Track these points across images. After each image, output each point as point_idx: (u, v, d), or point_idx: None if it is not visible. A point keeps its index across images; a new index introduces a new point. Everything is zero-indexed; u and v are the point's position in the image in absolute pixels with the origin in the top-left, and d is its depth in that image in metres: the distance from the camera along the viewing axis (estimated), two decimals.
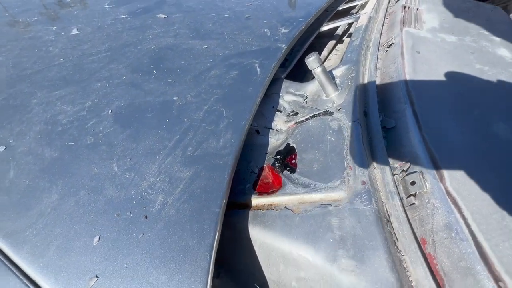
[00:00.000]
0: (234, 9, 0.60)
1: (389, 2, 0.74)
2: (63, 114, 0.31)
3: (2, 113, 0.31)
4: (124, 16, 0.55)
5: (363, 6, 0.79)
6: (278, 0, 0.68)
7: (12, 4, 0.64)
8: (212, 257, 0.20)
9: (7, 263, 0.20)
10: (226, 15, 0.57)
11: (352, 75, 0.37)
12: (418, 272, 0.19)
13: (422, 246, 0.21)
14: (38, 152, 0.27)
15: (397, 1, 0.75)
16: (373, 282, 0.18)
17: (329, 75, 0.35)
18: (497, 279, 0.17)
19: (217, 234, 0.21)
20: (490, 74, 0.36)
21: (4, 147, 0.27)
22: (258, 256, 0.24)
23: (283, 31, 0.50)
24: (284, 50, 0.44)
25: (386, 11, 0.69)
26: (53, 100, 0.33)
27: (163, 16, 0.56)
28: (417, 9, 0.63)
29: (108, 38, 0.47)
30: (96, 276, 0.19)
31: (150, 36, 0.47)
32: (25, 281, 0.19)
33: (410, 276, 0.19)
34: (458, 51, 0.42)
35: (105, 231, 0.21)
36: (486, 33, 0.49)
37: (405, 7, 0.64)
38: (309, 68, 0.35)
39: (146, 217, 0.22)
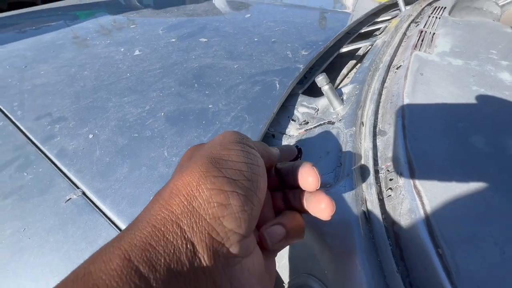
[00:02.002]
0: (263, 34, 0.71)
1: (408, 26, 0.79)
2: (130, 114, 0.43)
3: (90, 112, 0.44)
4: (173, 39, 0.69)
5: (385, 29, 0.85)
6: (302, 25, 0.77)
7: (91, 30, 0.81)
8: None
9: (97, 209, 0.30)
10: (256, 39, 0.67)
11: (356, 92, 0.44)
12: (382, 244, 0.25)
13: (392, 225, 0.27)
14: (114, 139, 0.38)
15: (417, 25, 0.79)
16: (346, 246, 0.25)
17: (335, 91, 0.43)
18: (437, 246, 0.22)
19: None
20: (483, 95, 0.40)
21: (92, 135, 0.39)
22: None
23: (303, 54, 0.59)
24: (301, 70, 0.52)
25: (405, 34, 0.74)
26: (123, 104, 0.45)
27: (204, 40, 0.68)
28: (433, 33, 0.67)
29: (162, 58, 0.59)
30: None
31: (193, 57, 0.59)
32: (108, 221, 0.29)
33: (377, 249, 0.25)
34: (459, 74, 0.46)
35: None
36: (495, 57, 0.52)
37: (421, 32, 0.69)
38: (319, 86, 0.42)
39: None
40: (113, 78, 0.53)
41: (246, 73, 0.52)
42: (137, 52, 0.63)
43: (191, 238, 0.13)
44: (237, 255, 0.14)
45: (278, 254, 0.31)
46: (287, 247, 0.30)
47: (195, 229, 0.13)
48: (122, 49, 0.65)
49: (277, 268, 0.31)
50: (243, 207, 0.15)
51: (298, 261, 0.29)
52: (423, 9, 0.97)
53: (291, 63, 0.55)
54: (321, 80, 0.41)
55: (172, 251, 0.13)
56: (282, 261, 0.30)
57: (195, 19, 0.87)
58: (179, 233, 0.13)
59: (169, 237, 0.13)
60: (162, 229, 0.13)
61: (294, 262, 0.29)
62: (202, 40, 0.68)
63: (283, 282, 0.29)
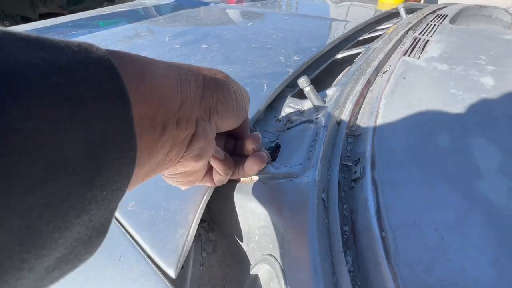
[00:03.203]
0: (261, 40, 0.75)
1: (406, 33, 0.80)
2: None
3: None
4: (178, 46, 0.74)
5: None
6: (300, 33, 0.81)
7: (106, 37, 0.89)
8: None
9: None
10: (253, 45, 0.71)
11: (337, 94, 0.46)
12: (334, 229, 0.27)
13: (350, 213, 0.29)
14: None
15: (414, 33, 0.81)
16: (300, 228, 0.27)
17: (317, 93, 0.45)
18: (381, 229, 0.24)
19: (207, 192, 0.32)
20: (460, 98, 0.41)
21: None
22: (238, 214, 0.34)
23: (295, 59, 0.62)
24: (290, 73, 0.55)
25: (401, 41, 0.75)
26: None
27: (205, 46, 0.72)
28: (427, 40, 0.68)
29: None
30: (134, 201, 0.32)
31: (193, 61, 0.64)
32: None
33: (328, 229, 0.27)
34: (442, 78, 0.47)
35: None
36: (483, 63, 0.52)
37: (415, 38, 0.70)
38: (300, 87, 0.45)
39: None
40: None
41: (238, 75, 0.56)
42: None
43: (205, 88, 0.20)
44: (212, 117, 0.22)
45: (247, 240, 0.33)
46: (257, 234, 0.33)
47: (210, 89, 0.21)
48: None
49: (246, 252, 0.33)
50: (231, 114, 0.23)
51: (264, 245, 0.31)
52: (424, 17, 0.98)
53: (282, 67, 0.58)
54: (302, 82, 0.44)
55: (194, 81, 0.20)
56: (250, 245, 0.33)
57: (200, 27, 0.93)
58: (201, 83, 0.20)
59: (195, 80, 0.20)
60: (194, 75, 0.20)
61: (260, 247, 0.31)
62: (203, 46, 0.73)
63: (250, 264, 0.32)
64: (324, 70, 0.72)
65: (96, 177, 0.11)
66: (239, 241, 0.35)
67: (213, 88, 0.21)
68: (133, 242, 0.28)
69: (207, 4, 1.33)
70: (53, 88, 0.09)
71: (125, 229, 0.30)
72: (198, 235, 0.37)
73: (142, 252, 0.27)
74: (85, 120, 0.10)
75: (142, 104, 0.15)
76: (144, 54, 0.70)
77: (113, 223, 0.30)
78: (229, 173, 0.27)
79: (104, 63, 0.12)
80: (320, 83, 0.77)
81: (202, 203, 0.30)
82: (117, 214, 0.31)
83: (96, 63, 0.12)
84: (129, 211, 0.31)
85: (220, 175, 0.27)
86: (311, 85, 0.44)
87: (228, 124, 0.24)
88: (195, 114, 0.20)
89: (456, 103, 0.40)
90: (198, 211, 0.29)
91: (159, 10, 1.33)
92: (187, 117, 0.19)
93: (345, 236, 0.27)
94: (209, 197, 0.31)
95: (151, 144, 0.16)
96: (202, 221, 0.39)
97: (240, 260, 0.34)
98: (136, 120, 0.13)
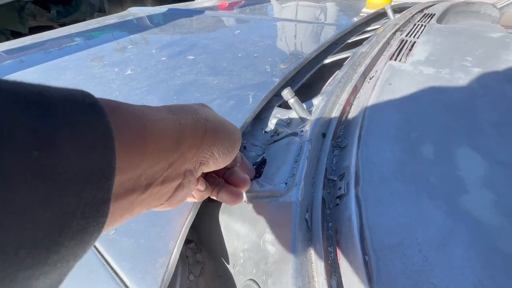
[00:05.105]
0: (247, 49, 0.74)
1: (393, 34, 0.80)
2: None
3: None
4: (164, 58, 0.73)
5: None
6: (287, 39, 0.80)
7: (92, 51, 0.88)
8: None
9: None
10: (239, 55, 0.71)
11: (322, 104, 0.45)
12: (317, 251, 0.26)
13: (335, 233, 0.28)
14: None
15: (401, 34, 0.80)
16: (283, 253, 0.26)
17: (302, 104, 0.45)
18: (364, 253, 0.23)
19: (191, 212, 0.31)
20: (444, 104, 0.40)
21: None
22: (223, 235, 0.33)
23: (281, 67, 0.61)
24: (276, 83, 0.54)
25: (389, 43, 0.75)
26: None
27: (192, 57, 0.72)
28: (414, 42, 0.68)
29: (150, 76, 0.64)
30: (115, 229, 0.31)
31: (179, 74, 0.63)
32: None
33: (311, 252, 0.26)
34: (427, 83, 0.47)
35: None
36: (469, 64, 0.52)
37: (402, 41, 0.70)
38: (285, 99, 0.45)
39: None
40: (103, 96, 0.57)
41: (224, 88, 0.55)
42: (128, 72, 0.67)
43: (204, 142, 0.19)
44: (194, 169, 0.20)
45: (233, 262, 0.33)
46: (242, 257, 0.32)
47: (208, 143, 0.19)
48: (116, 69, 0.70)
49: (232, 275, 0.33)
50: (220, 165, 0.22)
51: (249, 269, 0.30)
52: (412, 16, 0.98)
53: (268, 77, 0.57)
54: (286, 94, 0.43)
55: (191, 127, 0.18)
56: (236, 268, 0.32)
57: (188, 37, 0.93)
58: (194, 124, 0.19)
59: (195, 132, 0.18)
60: (194, 127, 0.19)
61: (245, 271, 0.30)
62: (189, 57, 0.72)
63: None
64: (314, 74, 0.71)
65: (51, 256, 0.09)
66: (226, 263, 0.34)
67: (211, 142, 0.19)
68: (113, 274, 0.27)
69: (196, 12, 1.32)
70: (30, 164, 0.08)
71: (105, 259, 0.29)
72: (185, 257, 0.37)
73: (121, 284, 0.27)
74: (58, 193, 0.09)
75: (129, 169, 0.13)
76: (129, 68, 0.69)
77: (93, 253, 0.29)
78: (203, 199, 0.27)
79: (100, 128, 0.11)
80: (311, 88, 0.77)
81: (183, 230, 0.29)
82: (97, 243, 0.30)
83: (91, 127, 0.11)
84: (109, 240, 0.30)
85: (193, 199, 0.26)
86: (295, 97, 0.44)
87: (213, 169, 0.23)
88: (185, 167, 0.18)
89: (440, 110, 0.39)
90: (179, 238, 0.29)
91: (149, 20, 1.33)
92: (176, 172, 0.17)
93: (330, 258, 0.26)
94: (191, 223, 0.30)
95: (128, 204, 0.15)
96: (189, 241, 0.38)
97: (227, 283, 0.33)
98: (116, 185, 0.12)
